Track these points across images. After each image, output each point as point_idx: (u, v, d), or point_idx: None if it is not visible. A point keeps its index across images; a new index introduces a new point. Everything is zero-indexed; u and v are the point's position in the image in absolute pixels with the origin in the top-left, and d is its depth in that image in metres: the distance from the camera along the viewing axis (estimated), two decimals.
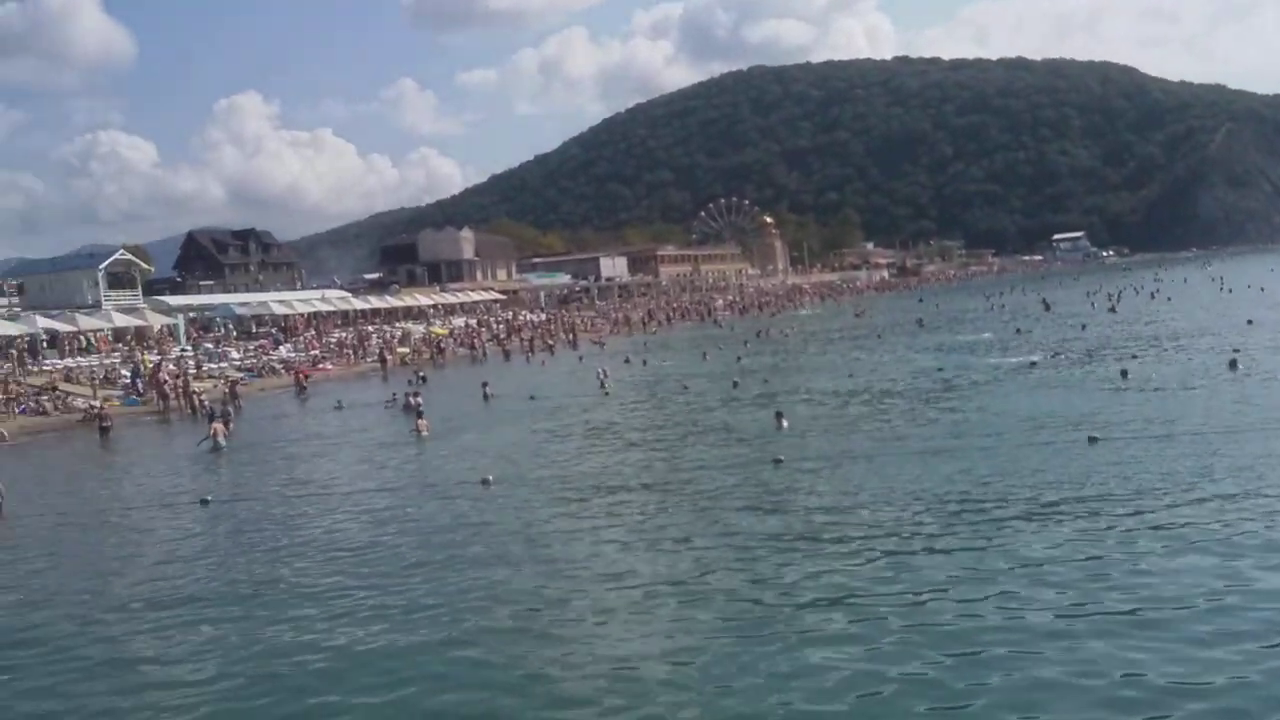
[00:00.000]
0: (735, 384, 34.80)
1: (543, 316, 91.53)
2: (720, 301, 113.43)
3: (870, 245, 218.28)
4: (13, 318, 54.62)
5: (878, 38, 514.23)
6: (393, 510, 18.34)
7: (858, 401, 28.53)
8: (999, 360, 36.79)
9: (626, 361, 48.82)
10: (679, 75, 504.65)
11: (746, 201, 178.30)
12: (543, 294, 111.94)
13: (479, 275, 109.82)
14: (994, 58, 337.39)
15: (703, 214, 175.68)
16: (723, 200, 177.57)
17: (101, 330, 57.31)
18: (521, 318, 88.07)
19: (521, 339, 70.14)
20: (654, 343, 65.98)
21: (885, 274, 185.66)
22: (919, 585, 11.53)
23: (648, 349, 58.49)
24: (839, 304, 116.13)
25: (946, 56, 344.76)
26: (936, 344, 46.91)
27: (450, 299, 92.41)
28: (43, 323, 52.97)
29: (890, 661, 9.45)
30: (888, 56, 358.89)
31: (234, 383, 43.98)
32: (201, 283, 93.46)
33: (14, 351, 49.39)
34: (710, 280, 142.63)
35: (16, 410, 39.46)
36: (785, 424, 23.89)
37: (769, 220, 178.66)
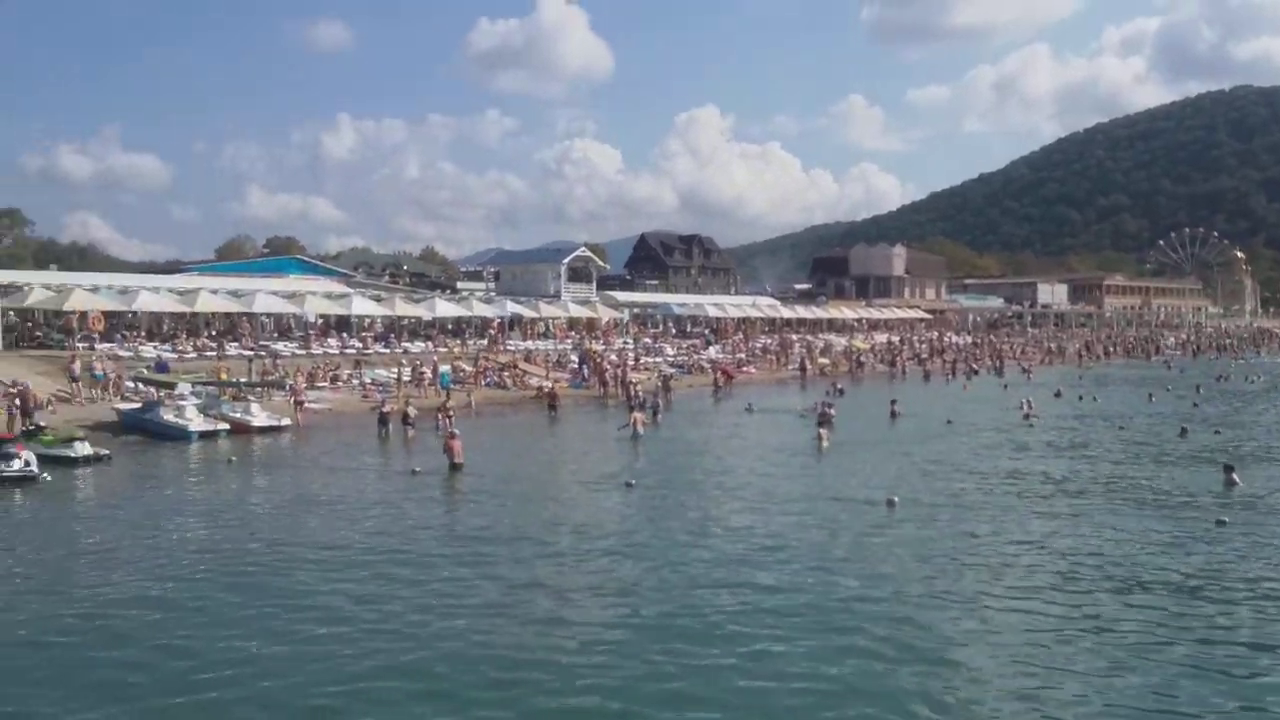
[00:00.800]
0: (1183, 431, 31.69)
1: (968, 339, 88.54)
2: (1172, 339, 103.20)
3: None
4: (488, 301, 62.03)
5: None
6: (798, 518, 18.87)
7: None
8: None
9: (1057, 395, 45.94)
10: (1147, 95, 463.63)
11: (1215, 234, 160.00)
12: (971, 316, 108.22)
13: (907, 293, 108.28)
14: None
15: (1161, 244, 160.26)
16: (1186, 230, 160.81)
17: (558, 318, 63.54)
18: (946, 339, 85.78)
19: (944, 360, 68.37)
20: (1089, 377, 61.49)
21: None
22: None
23: (1082, 383, 54.74)
24: None
25: None
26: None
27: (875, 314, 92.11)
28: (512, 307, 59.72)
29: None
30: None
31: (667, 377, 47.01)
32: (647, 281, 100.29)
33: (491, 332, 56.35)
34: (1161, 315, 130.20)
35: (483, 383, 44.88)
36: (1238, 481, 21.48)
37: (1240, 255, 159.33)
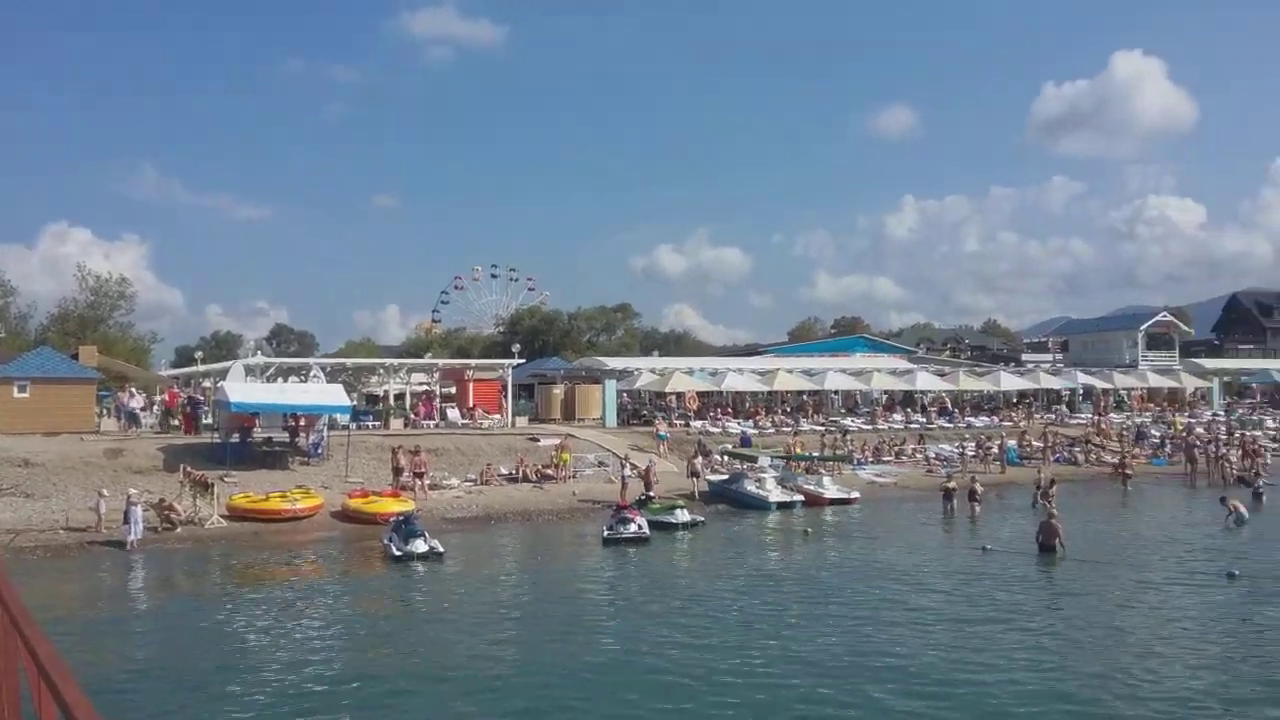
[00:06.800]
0: None
1: None
2: None
3: None
4: (1055, 373, 59.63)
5: None
6: None
7: None
8: None
9: None
10: None
11: None
12: None
13: None
14: None
15: None
16: None
17: (1135, 389, 59.13)
18: None
19: None
20: None
21: None
22: None
23: None
24: None
25: None
26: None
27: None
28: (1082, 378, 56.83)
29: None
30: None
31: (1257, 453, 41.62)
32: (1240, 346, 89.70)
33: (1061, 406, 54.28)
34: None
35: (1052, 458, 43.19)
36: None
37: None
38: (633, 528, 26.53)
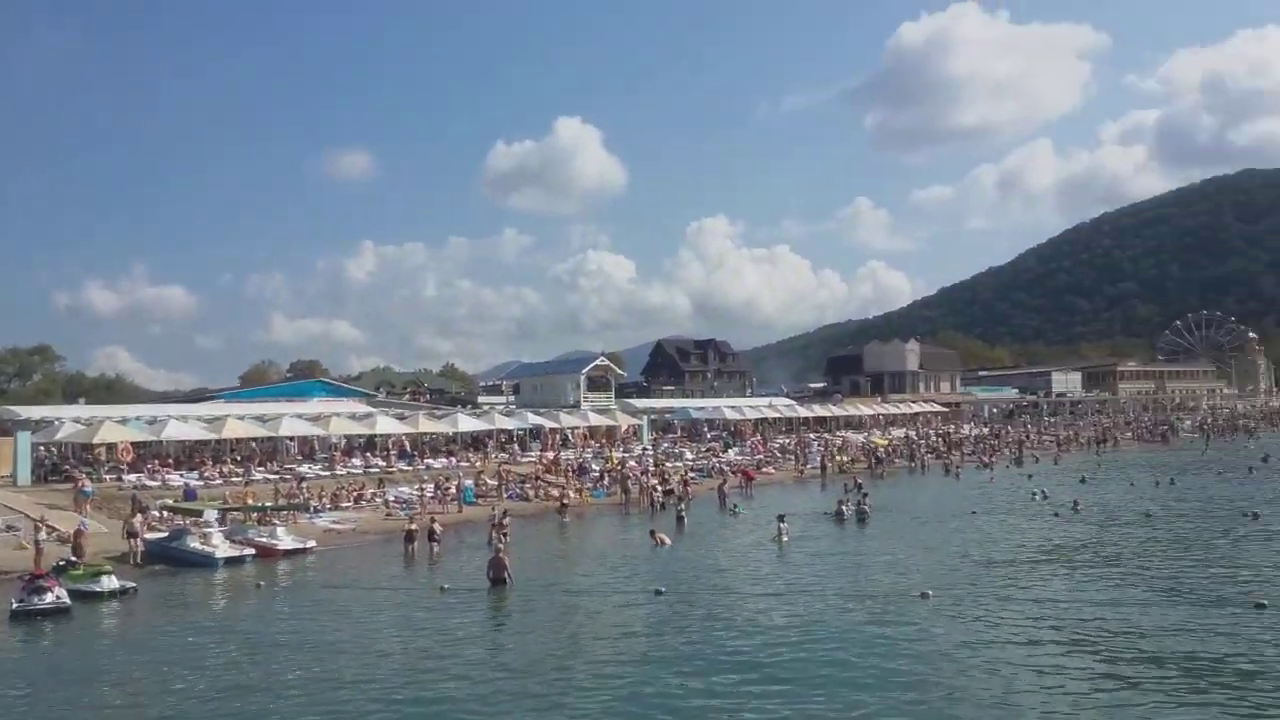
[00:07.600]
0: (1255, 516, 33.03)
1: (984, 430, 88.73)
2: (1188, 422, 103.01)
3: None
4: (508, 414, 62.61)
5: None
6: (819, 616, 19.30)
7: None
8: None
9: (1082, 481, 46.38)
10: (1150, 184, 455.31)
11: (1231, 319, 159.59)
12: (987, 407, 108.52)
13: (921, 387, 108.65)
14: None
15: (1170, 330, 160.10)
16: (1202, 313, 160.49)
17: (578, 428, 63.91)
18: (962, 431, 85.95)
19: (962, 453, 68.89)
20: (1108, 463, 61.51)
21: None
22: None
23: (1101, 470, 54.81)
24: None
25: None
26: None
27: (891, 410, 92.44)
28: (532, 419, 60.26)
29: None
30: None
31: (685, 482, 47.01)
32: (664, 387, 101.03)
33: (514, 446, 56.90)
34: (1176, 399, 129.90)
35: (505, 495, 45.05)
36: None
37: (1253, 336, 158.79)
38: (49, 598, 22.95)
